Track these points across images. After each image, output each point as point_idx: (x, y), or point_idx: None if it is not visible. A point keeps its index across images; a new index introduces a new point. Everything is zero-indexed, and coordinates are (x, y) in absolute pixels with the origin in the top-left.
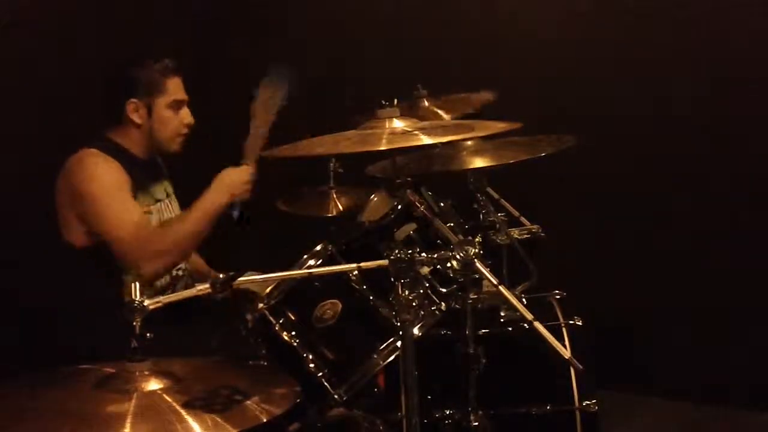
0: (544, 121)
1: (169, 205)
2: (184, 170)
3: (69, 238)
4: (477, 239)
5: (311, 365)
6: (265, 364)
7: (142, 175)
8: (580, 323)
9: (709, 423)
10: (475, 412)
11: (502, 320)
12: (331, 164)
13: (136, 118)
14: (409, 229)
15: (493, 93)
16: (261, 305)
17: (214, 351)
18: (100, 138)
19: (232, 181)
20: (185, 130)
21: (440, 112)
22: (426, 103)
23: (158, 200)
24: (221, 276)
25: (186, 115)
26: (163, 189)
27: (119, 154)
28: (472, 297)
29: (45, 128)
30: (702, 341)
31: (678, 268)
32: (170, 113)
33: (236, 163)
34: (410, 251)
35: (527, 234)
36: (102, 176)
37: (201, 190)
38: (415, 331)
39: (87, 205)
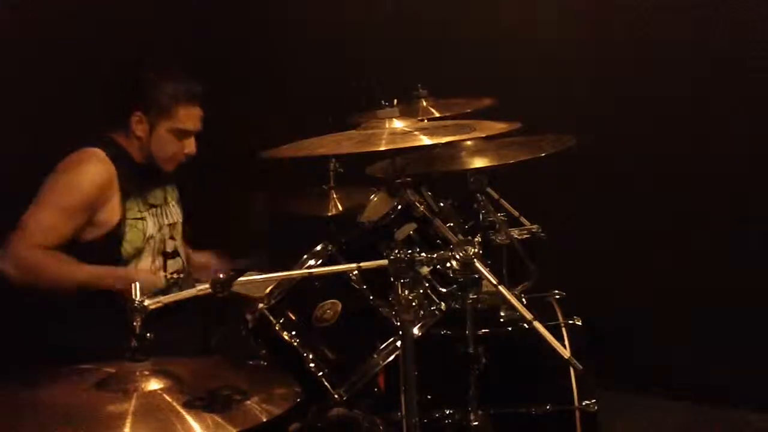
0: (544, 121)
1: (167, 211)
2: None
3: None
4: (477, 239)
5: (311, 365)
6: (265, 364)
7: (139, 180)
8: (580, 323)
9: (708, 423)
10: (475, 412)
11: (502, 320)
12: (331, 164)
13: (138, 131)
14: (409, 229)
15: (493, 98)
16: (261, 305)
17: (214, 351)
18: (104, 137)
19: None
20: (183, 159)
21: (438, 113)
22: (425, 104)
23: (154, 205)
24: (221, 276)
25: (188, 145)
26: (162, 194)
27: (120, 156)
28: (472, 297)
29: (44, 127)
30: (702, 341)
31: (678, 267)
32: (171, 138)
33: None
34: (410, 251)
35: (527, 234)
36: (71, 182)
37: (204, 192)
38: (415, 331)
39: (41, 188)
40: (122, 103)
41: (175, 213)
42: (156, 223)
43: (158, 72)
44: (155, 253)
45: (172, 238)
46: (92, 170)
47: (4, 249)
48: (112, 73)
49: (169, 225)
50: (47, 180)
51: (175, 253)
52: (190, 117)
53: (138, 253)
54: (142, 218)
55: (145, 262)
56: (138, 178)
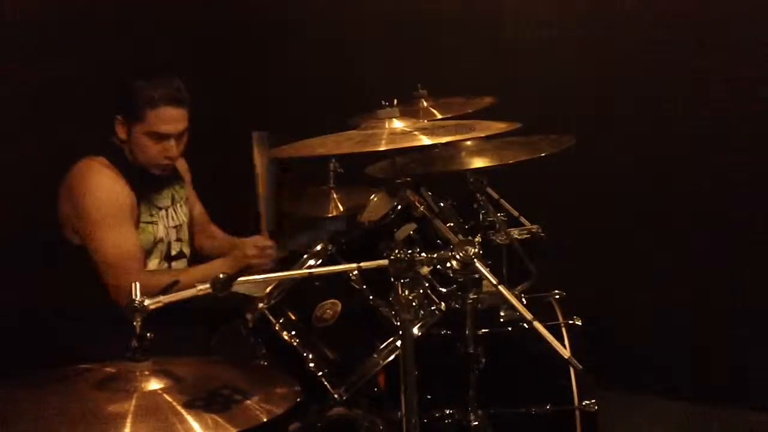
0: (544, 121)
1: (175, 211)
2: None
3: (68, 236)
4: (477, 239)
5: (311, 365)
6: (265, 364)
7: (144, 184)
8: (580, 323)
9: (707, 423)
10: (475, 411)
11: (502, 320)
12: (331, 164)
13: (120, 134)
14: (409, 229)
15: (493, 98)
16: (261, 305)
17: (214, 351)
18: (105, 142)
19: (246, 256)
20: (165, 162)
21: (438, 113)
22: (425, 104)
23: (161, 208)
24: (221, 276)
25: (168, 148)
26: (169, 195)
27: (123, 163)
28: (472, 297)
29: (46, 127)
30: (701, 341)
31: (678, 267)
32: (148, 141)
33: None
34: (410, 251)
35: (527, 234)
36: (103, 198)
37: (208, 187)
38: (415, 331)
39: (84, 224)
40: (108, 107)
41: (181, 214)
42: (164, 226)
43: (132, 74)
44: (162, 256)
45: (178, 239)
46: (105, 178)
47: (109, 287)
48: (108, 74)
49: (175, 227)
50: (81, 214)
51: (180, 255)
52: (163, 120)
53: (146, 255)
54: (153, 222)
55: (152, 265)
56: (143, 181)
